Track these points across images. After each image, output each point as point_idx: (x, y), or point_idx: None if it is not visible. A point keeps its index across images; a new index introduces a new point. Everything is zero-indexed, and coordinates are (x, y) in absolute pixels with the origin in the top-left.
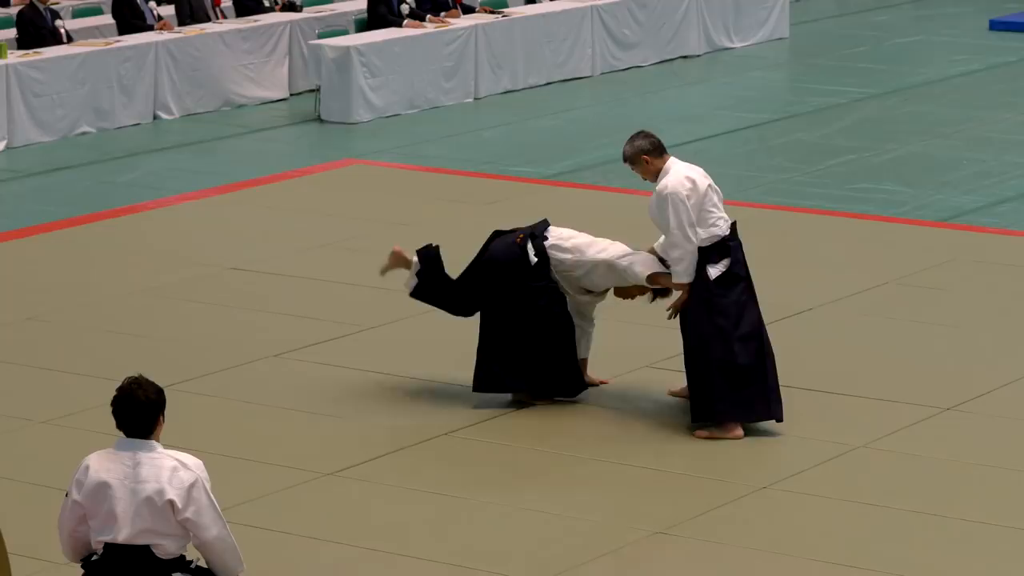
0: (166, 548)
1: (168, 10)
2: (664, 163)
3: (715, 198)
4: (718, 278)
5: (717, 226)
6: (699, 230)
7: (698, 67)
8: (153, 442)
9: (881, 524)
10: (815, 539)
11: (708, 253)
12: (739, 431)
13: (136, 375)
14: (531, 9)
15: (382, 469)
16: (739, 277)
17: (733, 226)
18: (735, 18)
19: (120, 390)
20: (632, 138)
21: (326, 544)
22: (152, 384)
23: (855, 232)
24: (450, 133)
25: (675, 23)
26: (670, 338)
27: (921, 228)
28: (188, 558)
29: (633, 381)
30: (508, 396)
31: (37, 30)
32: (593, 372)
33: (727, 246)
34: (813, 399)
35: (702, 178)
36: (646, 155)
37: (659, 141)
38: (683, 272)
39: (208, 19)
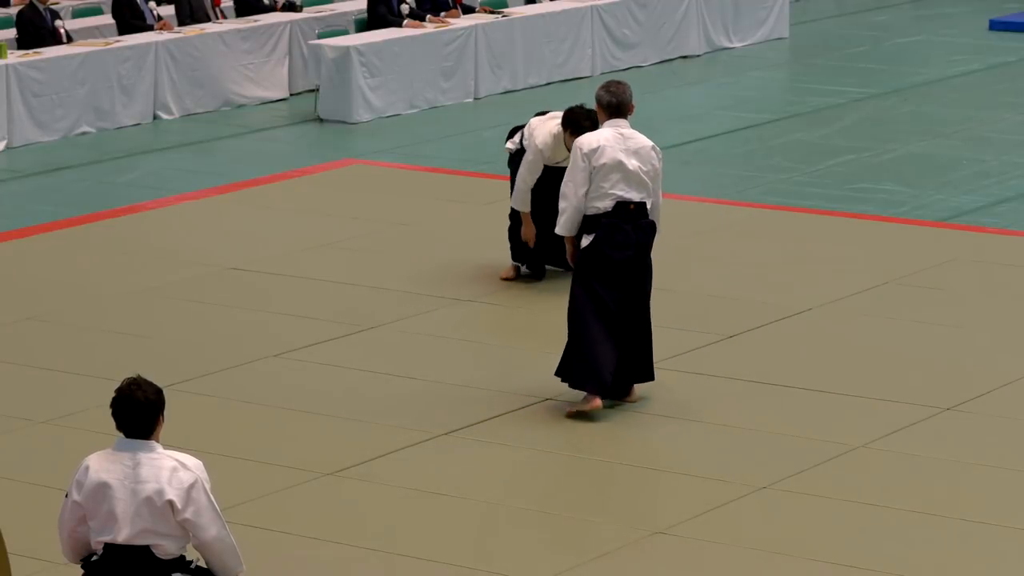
0: (166, 548)
1: (168, 10)
2: (606, 121)
3: (616, 176)
4: (586, 249)
5: (603, 201)
6: (592, 201)
7: (698, 67)
8: (153, 442)
9: (881, 524)
10: (815, 539)
11: (585, 223)
12: (597, 402)
13: (135, 376)
14: (531, 9)
15: (382, 469)
16: (607, 256)
17: (624, 206)
18: (735, 18)
19: (119, 391)
20: (609, 84)
21: (326, 544)
22: (151, 385)
23: (855, 232)
24: (450, 133)
25: (675, 23)
26: (669, 338)
27: (921, 228)
28: (188, 558)
29: None
30: (511, 395)
31: (37, 30)
32: None
33: (600, 222)
34: (813, 399)
35: (618, 152)
36: (599, 105)
37: (617, 103)
38: (562, 224)
39: (208, 19)
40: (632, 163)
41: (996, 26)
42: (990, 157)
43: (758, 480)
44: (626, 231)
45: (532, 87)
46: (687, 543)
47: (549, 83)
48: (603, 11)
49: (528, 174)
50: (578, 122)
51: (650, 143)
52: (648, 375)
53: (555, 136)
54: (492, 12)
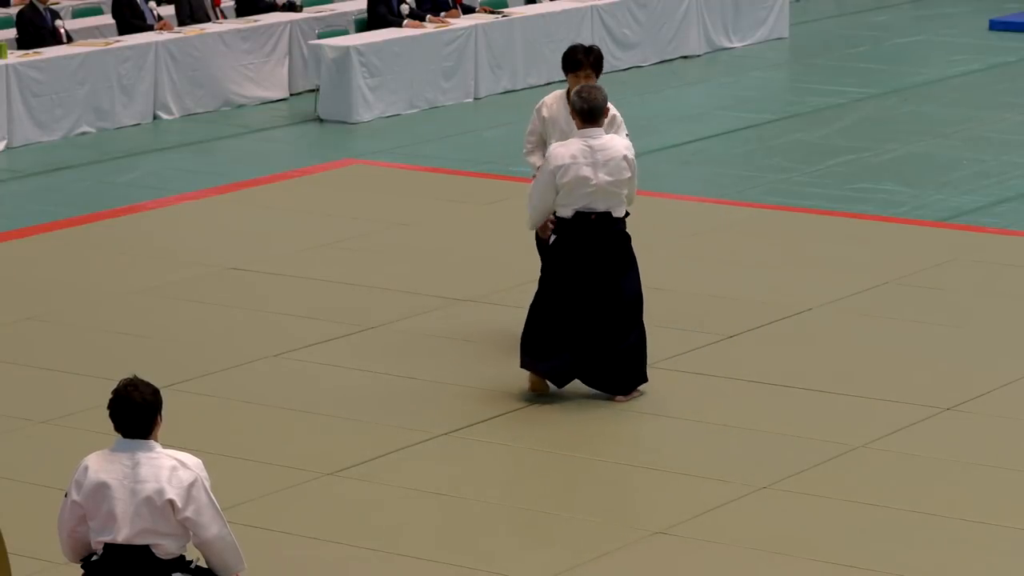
0: (166, 548)
1: (168, 10)
2: (580, 128)
3: (580, 192)
4: (551, 248)
5: (564, 210)
6: (557, 208)
7: (698, 67)
8: (152, 442)
9: (881, 524)
10: (815, 539)
11: (556, 223)
12: (536, 382)
13: (131, 376)
14: (531, 9)
15: (382, 469)
16: (567, 261)
17: (585, 216)
18: (735, 18)
19: (116, 392)
20: (582, 90)
21: (326, 544)
22: (148, 385)
23: (855, 232)
24: (450, 133)
25: (675, 23)
26: (669, 338)
27: (921, 228)
28: (188, 558)
29: None
30: (511, 395)
31: (37, 30)
32: None
33: (562, 226)
34: (813, 399)
35: (584, 168)
36: (572, 111)
37: (588, 108)
38: (530, 224)
39: (208, 19)
40: (599, 176)
41: (996, 26)
42: (990, 157)
43: (758, 480)
44: (584, 240)
45: (532, 87)
46: (687, 543)
47: (549, 83)
48: (603, 11)
49: (529, 134)
50: (573, 56)
51: (622, 152)
52: (624, 388)
53: (556, 96)
54: (492, 12)
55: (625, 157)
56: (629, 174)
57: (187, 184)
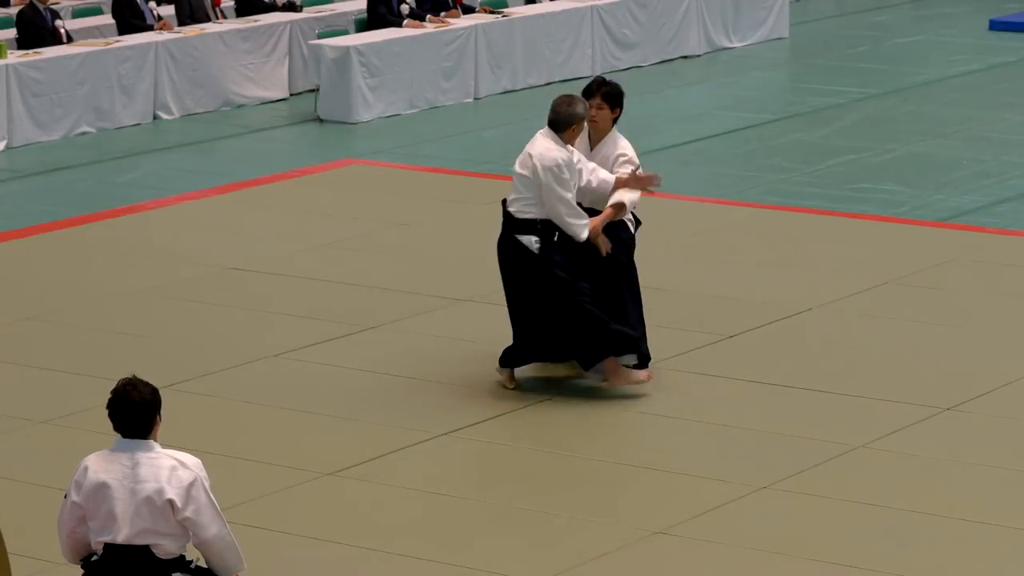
0: (166, 548)
1: (168, 10)
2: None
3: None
4: None
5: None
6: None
7: (698, 67)
8: (151, 442)
9: (881, 524)
10: (815, 539)
11: None
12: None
13: (130, 376)
14: (531, 9)
15: (382, 469)
16: None
17: (504, 204)
18: (735, 18)
19: (115, 392)
20: (556, 98)
21: (326, 544)
22: (147, 384)
23: (855, 232)
24: (450, 133)
25: (675, 23)
26: (669, 338)
27: (921, 228)
28: (188, 558)
29: None
30: (511, 395)
31: (37, 30)
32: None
33: None
34: (813, 399)
35: (519, 160)
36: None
37: (552, 119)
38: None
39: (208, 19)
40: (516, 166)
41: (996, 26)
42: (990, 157)
43: (758, 480)
44: (503, 229)
45: (532, 87)
46: (687, 543)
47: (549, 83)
48: (603, 11)
49: None
50: (588, 86)
51: (530, 151)
52: (582, 358)
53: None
54: (492, 12)
55: (531, 155)
56: (527, 173)
57: (187, 184)
